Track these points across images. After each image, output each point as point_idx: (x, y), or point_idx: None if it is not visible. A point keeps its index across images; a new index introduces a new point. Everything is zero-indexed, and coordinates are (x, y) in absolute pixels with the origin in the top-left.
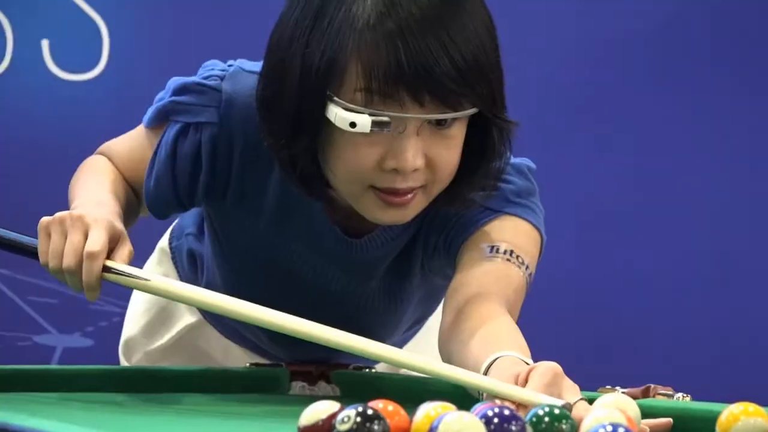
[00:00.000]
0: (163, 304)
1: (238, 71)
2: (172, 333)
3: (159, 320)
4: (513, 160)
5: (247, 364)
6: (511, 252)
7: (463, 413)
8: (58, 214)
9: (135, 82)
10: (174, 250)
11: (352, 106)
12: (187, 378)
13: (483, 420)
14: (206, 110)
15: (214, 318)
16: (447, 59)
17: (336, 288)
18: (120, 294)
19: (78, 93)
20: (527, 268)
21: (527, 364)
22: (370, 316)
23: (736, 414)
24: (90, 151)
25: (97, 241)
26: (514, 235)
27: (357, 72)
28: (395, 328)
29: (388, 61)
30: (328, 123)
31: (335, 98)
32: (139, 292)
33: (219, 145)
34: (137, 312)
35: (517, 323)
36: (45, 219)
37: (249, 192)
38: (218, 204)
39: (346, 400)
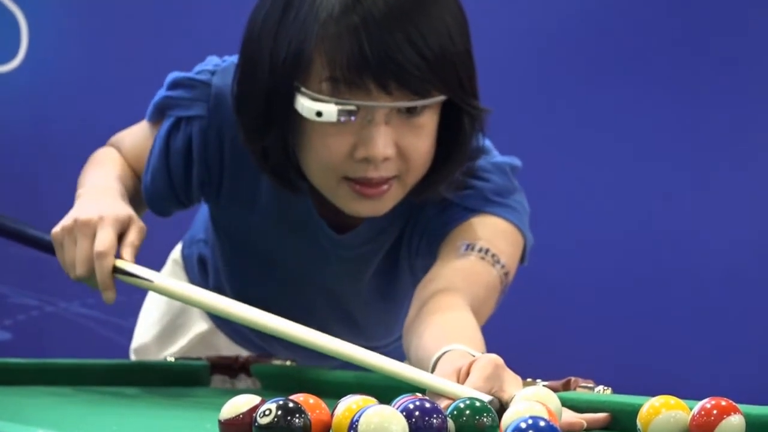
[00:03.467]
0: (177, 313)
1: (231, 66)
2: (183, 341)
3: (172, 329)
4: (496, 158)
5: (171, 358)
6: (487, 250)
7: (384, 407)
8: (67, 223)
9: (53, 75)
10: (186, 259)
11: (318, 95)
12: (110, 372)
13: (404, 413)
14: (196, 104)
15: (225, 325)
16: (412, 48)
17: (330, 284)
18: (40, 288)
19: None
20: (503, 267)
21: (474, 357)
22: (366, 314)
23: (657, 407)
24: (5, 143)
25: (104, 241)
26: (491, 233)
27: (322, 62)
28: (393, 328)
29: (352, 50)
30: (298, 114)
31: (302, 89)
32: (152, 300)
33: (209, 138)
34: (151, 320)
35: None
36: (56, 231)
37: (243, 186)
38: (215, 199)
39: (267, 393)
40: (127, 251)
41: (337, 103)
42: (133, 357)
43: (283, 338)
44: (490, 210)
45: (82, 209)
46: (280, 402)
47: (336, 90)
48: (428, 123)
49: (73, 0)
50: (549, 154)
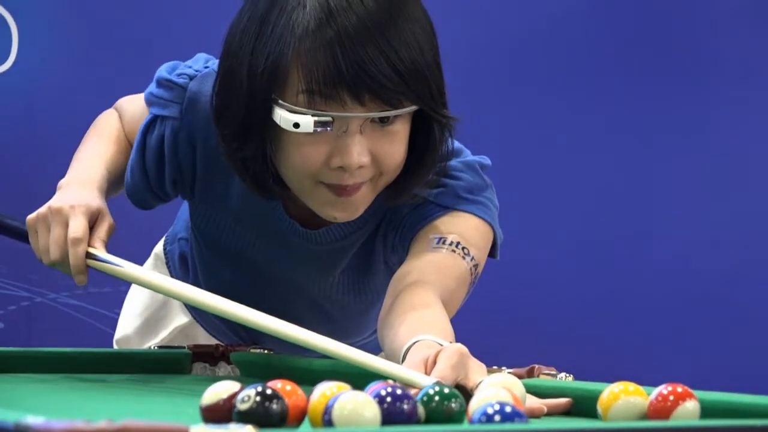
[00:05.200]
0: (158, 306)
1: (211, 73)
2: (164, 333)
3: (153, 321)
4: (466, 157)
5: (152, 347)
6: (458, 243)
7: (358, 392)
8: (41, 211)
9: (44, 78)
10: (168, 255)
11: (295, 107)
12: (96, 360)
13: (376, 399)
14: (171, 105)
15: (202, 318)
16: (384, 61)
17: (303, 280)
18: (30, 280)
19: None
20: (473, 259)
21: (442, 346)
22: (340, 309)
23: (616, 393)
24: None
25: (77, 228)
26: (462, 228)
27: (298, 76)
28: (368, 322)
29: (327, 64)
30: (276, 125)
31: (280, 101)
32: (134, 292)
33: (180, 141)
34: (133, 312)
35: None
36: (31, 217)
37: (215, 190)
38: (190, 196)
39: (246, 380)
40: (98, 242)
41: (313, 115)
42: (116, 348)
43: (254, 328)
44: (461, 207)
45: (57, 198)
46: (259, 388)
47: (312, 102)
48: (401, 130)
49: (63, 3)
50: (523, 151)
